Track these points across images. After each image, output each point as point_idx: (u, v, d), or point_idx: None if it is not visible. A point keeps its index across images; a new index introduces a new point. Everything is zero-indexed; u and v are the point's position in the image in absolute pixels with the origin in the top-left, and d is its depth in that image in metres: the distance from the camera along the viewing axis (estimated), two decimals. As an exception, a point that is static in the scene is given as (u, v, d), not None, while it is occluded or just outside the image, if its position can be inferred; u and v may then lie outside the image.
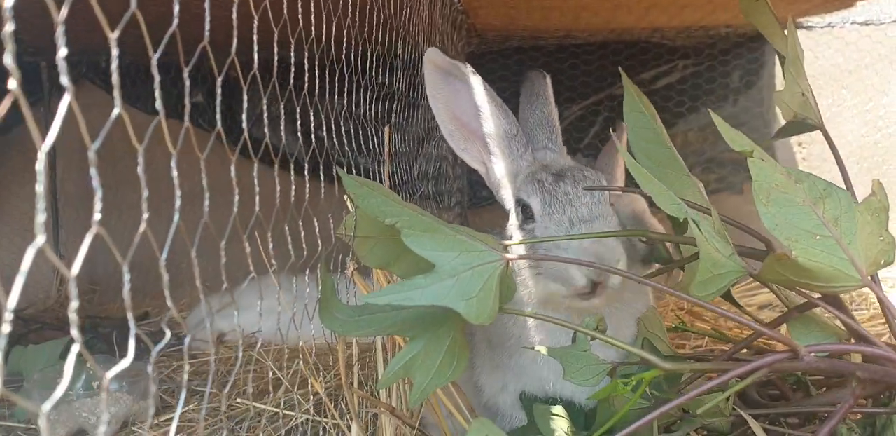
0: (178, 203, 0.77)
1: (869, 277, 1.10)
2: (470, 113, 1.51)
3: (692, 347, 2.76)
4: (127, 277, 0.62)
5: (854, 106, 4.15)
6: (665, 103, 4.00)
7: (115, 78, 0.62)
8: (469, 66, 1.49)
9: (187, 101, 0.84)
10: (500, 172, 1.52)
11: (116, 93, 0.62)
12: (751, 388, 1.54)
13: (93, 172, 0.57)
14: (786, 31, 1.56)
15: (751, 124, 3.99)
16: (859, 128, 4.15)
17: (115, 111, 0.60)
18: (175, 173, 0.78)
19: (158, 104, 0.71)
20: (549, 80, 1.66)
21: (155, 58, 0.69)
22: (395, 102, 1.86)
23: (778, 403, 1.52)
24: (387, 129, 1.73)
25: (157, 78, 0.70)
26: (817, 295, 1.22)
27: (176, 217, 0.75)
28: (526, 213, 1.43)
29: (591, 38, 3.94)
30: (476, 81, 1.48)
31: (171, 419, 2.23)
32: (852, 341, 1.22)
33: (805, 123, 1.57)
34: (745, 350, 1.58)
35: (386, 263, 1.32)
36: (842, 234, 1.09)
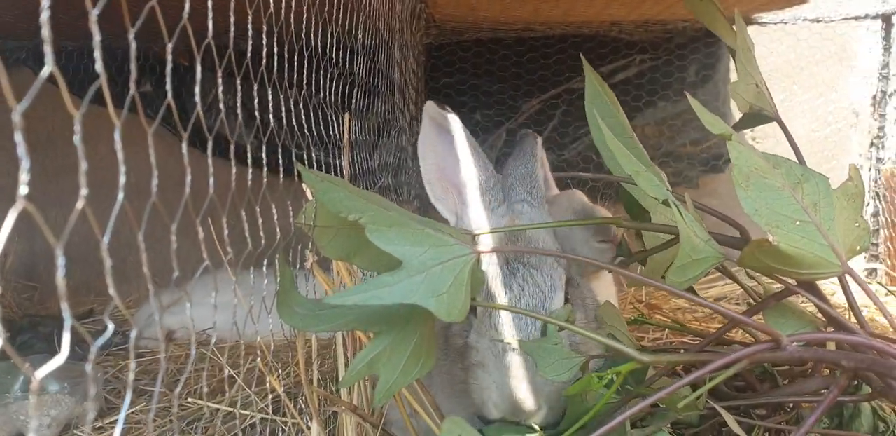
0: (121, 194, 0.69)
1: (848, 264, 1.08)
2: (452, 164, 1.48)
3: (650, 339, 2.76)
4: (61, 261, 0.54)
5: (805, 101, 4.21)
6: (623, 97, 4.00)
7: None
8: (456, 117, 1.46)
9: (133, 87, 0.76)
10: (469, 224, 1.48)
11: (47, 49, 0.54)
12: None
13: (18, 137, 0.50)
14: (734, 26, 1.55)
15: (707, 119, 4.01)
16: (810, 123, 4.22)
17: (47, 69, 0.53)
18: (121, 155, 0.71)
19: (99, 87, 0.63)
20: (539, 141, 1.64)
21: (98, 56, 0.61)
22: (356, 89, 1.79)
23: (746, 394, 1.50)
24: (347, 116, 1.67)
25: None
26: (793, 284, 1.20)
27: (120, 196, 0.67)
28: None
29: (549, 32, 3.91)
30: (458, 131, 1.45)
31: (112, 422, 2.14)
32: (829, 329, 1.21)
33: (761, 114, 1.56)
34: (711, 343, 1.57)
35: (347, 254, 1.26)
36: (821, 219, 1.07)
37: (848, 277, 1.14)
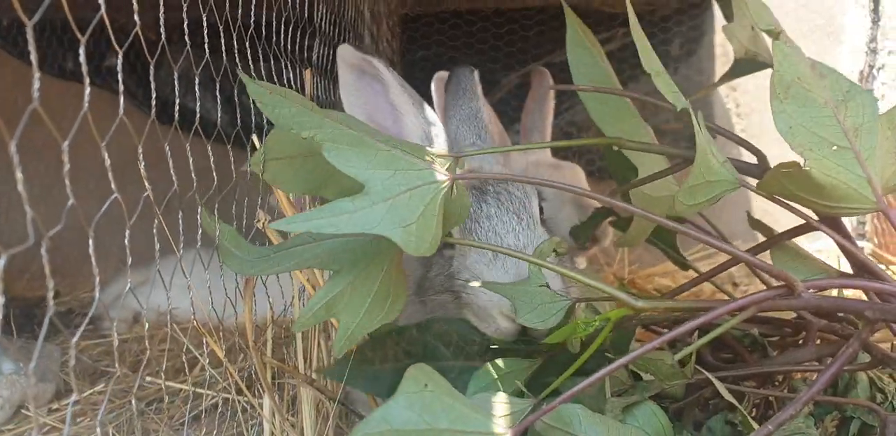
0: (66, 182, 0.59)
1: (883, 201, 0.97)
2: (387, 113, 1.36)
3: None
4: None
5: (791, 77, 4.12)
6: (605, 72, 3.90)
7: None
8: (380, 61, 1.35)
9: (89, 67, 0.67)
10: None
11: None
12: (705, 350, 1.43)
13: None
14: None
15: (692, 93, 3.91)
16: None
17: None
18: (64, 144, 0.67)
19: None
20: (476, 74, 1.52)
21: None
22: (317, 42, 1.67)
23: (735, 365, 1.41)
24: (308, 72, 1.55)
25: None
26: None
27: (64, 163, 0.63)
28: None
29: (529, 2, 3.80)
30: (391, 78, 1.34)
31: (72, 403, 2.04)
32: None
33: (756, 60, 1.45)
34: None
35: (314, 187, 1.12)
36: (861, 147, 0.95)
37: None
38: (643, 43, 1.22)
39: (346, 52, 1.35)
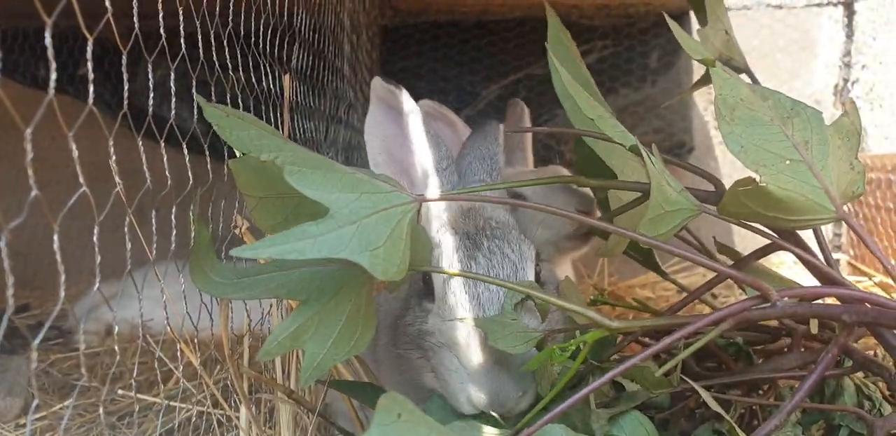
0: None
1: (844, 209, 0.97)
2: (403, 145, 1.34)
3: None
4: None
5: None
6: (584, 84, 3.91)
7: None
8: (405, 92, 1.32)
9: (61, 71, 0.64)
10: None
11: None
12: (690, 359, 1.41)
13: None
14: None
15: (670, 106, 3.95)
16: (772, 112, 4.18)
17: None
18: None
19: None
20: (501, 127, 1.48)
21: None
22: (296, 46, 1.65)
23: (720, 373, 1.40)
24: (287, 76, 1.52)
25: None
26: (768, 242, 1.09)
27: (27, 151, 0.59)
28: (427, 285, 1.22)
29: (509, 15, 3.81)
30: (411, 110, 1.31)
31: (40, 418, 1.98)
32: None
33: (730, 64, 1.46)
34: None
35: (281, 223, 1.11)
36: (813, 159, 0.96)
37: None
38: (575, 89, 1.16)
39: (378, 86, 1.32)
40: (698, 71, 4.09)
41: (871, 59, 3.99)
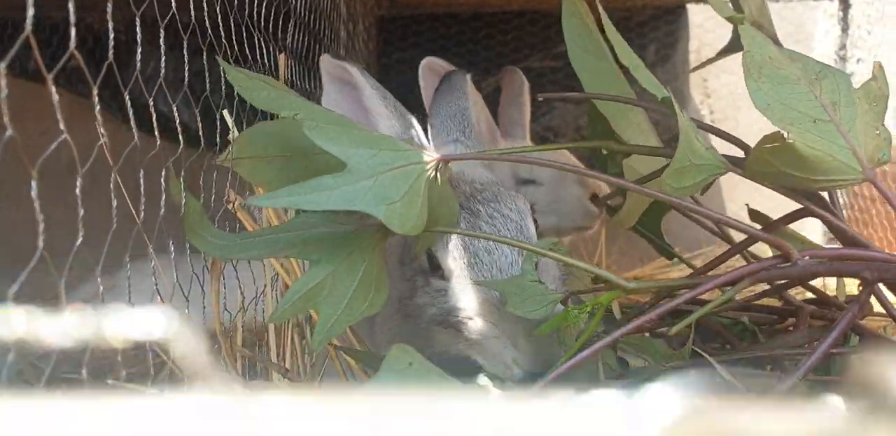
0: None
1: (871, 170, 0.96)
2: (364, 121, 1.31)
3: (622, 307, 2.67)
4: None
5: (763, 85, 4.17)
6: (581, 77, 3.91)
7: None
8: (353, 65, 1.32)
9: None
10: None
11: None
12: (695, 339, 1.40)
13: None
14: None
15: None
16: (768, 106, 4.18)
17: None
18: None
19: None
20: (468, 77, 1.49)
21: None
22: (291, 24, 1.63)
23: (726, 350, 1.39)
24: (282, 56, 1.51)
25: None
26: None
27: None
28: (432, 263, 1.20)
29: (507, 7, 3.79)
30: (363, 81, 1.30)
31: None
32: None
33: (760, 30, 1.45)
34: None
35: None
36: (841, 120, 0.95)
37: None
38: (617, 38, 1.20)
39: (327, 63, 1.31)
40: (694, 64, 4.09)
41: (867, 52, 3.99)
